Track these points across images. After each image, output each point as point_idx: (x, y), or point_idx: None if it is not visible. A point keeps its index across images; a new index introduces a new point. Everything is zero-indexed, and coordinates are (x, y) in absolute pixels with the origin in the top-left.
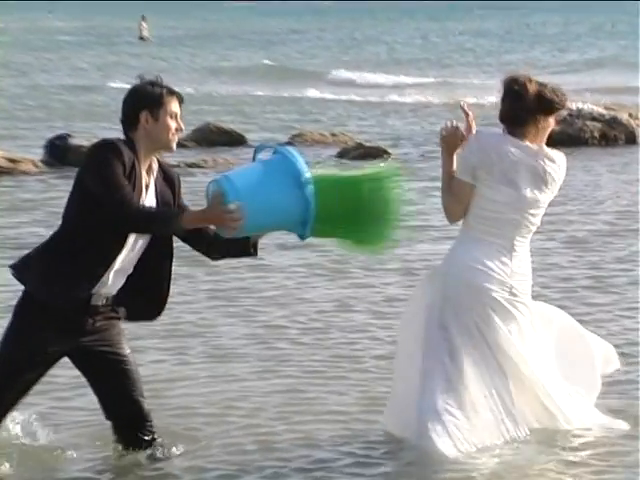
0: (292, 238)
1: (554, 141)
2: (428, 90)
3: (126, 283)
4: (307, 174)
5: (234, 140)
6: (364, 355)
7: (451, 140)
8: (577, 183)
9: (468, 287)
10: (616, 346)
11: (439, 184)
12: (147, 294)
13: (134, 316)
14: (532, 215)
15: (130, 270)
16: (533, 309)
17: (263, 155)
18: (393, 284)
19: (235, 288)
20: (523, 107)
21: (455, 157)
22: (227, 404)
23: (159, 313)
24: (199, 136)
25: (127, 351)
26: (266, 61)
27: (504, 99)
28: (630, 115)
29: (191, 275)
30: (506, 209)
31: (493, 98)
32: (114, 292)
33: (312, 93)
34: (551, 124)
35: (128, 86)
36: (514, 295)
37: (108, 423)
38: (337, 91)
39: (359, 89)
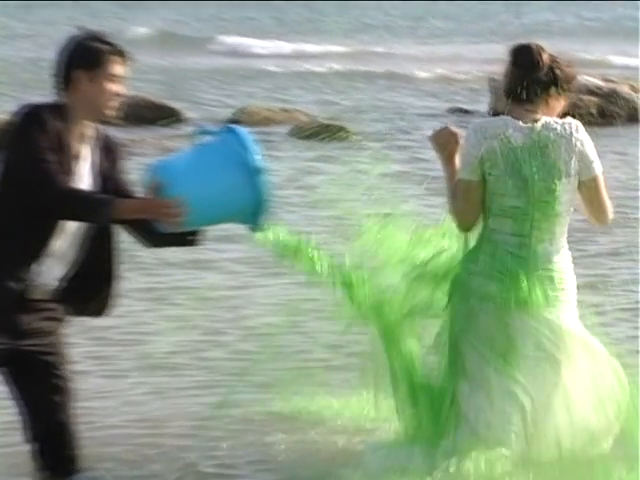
0: (237, 228)
1: None
2: (346, 59)
3: (69, 273)
4: (258, 158)
5: (168, 116)
6: (316, 366)
7: (443, 139)
8: None
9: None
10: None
11: (410, 168)
12: (91, 284)
13: (78, 310)
14: (547, 204)
15: (72, 257)
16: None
17: (206, 138)
18: None
19: (170, 288)
20: (535, 79)
21: (457, 158)
22: (159, 423)
23: (105, 307)
24: (126, 111)
25: (66, 364)
26: (143, 29)
27: (513, 70)
28: (632, 88)
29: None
30: (518, 202)
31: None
32: (53, 284)
33: (231, 62)
34: (562, 104)
35: None
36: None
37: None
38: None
39: (287, 59)
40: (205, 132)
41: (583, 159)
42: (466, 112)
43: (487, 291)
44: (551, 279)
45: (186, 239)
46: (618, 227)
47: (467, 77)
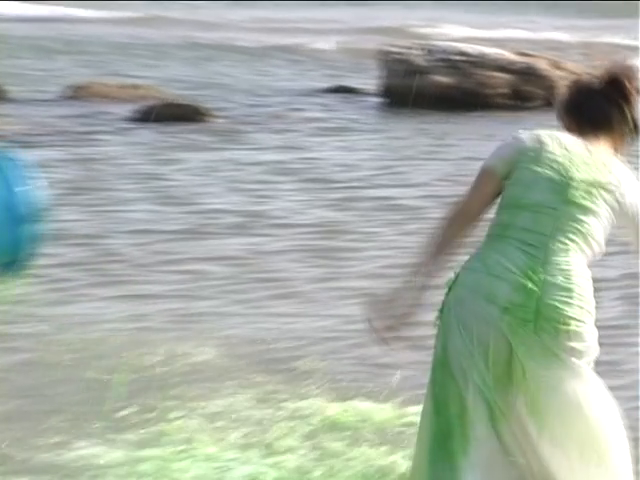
0: None
1: (443, 101)
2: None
3: None
4: (26, 204)
5: None
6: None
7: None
8: (477, 159)
9: None
10: None
11: (276, 156)
12: None
13: None
14: (581, 208)
15: None
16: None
17: None
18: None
19: None
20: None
21: None
22: None
23: None
24: None
25: None
26: None
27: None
28: (552, 63)
29: None
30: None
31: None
32: None
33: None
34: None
35: None
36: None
37: None
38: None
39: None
40: None
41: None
42: (351, 91)
43: (494, 292)
44: (568, 291)
45: None
46: None
47: (353, 49)
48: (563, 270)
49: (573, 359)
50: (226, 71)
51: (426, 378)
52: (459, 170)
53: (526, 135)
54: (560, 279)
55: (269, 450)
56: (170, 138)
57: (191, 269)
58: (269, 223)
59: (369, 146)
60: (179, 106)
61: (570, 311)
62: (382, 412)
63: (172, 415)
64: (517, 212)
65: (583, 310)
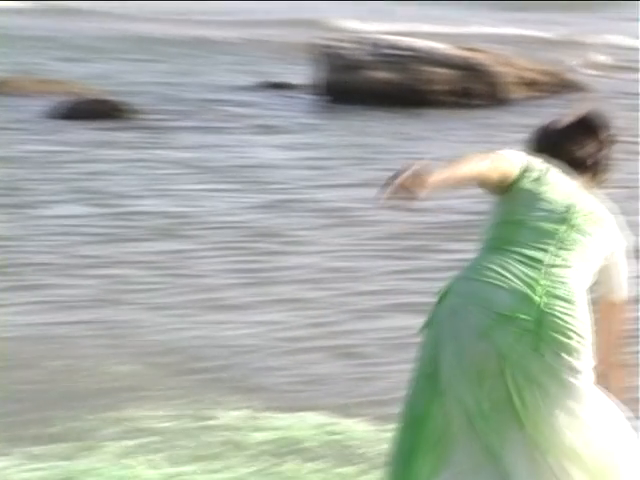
0: None
1: (383, 98)
2: None
3: None
4: None
5: None
6: None
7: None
8: (424, 157)
9: None
10: None
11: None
12: None
13: None
14: (582, 233)
15: None
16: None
17: None
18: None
19: None
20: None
21: None
22: None
23: None
24: None
25: None
26: None
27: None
28: (498, 60)
29: None
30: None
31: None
32: None
33: None
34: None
35: None
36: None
37: None
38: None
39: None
40: None
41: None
42: (283, 87)
43: (491, 299)
44: (570, 303)
45: None
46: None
47: (278, 42)
48: (564, 283)
49: (572, 379)
50: (148, 65)
51: (355, 389)
52: (395, 170)
53: (529, 156)
54: (562, 291)
55: (198, 462)
56: (92, 136)
57: (112, 274)
58: (195, 226)
59: (303, 145)
60: (101, 102)
61: (572, 324)
62: (313, 423)
63: (89, 427)
64: (517, 228)
65: (584, 326)
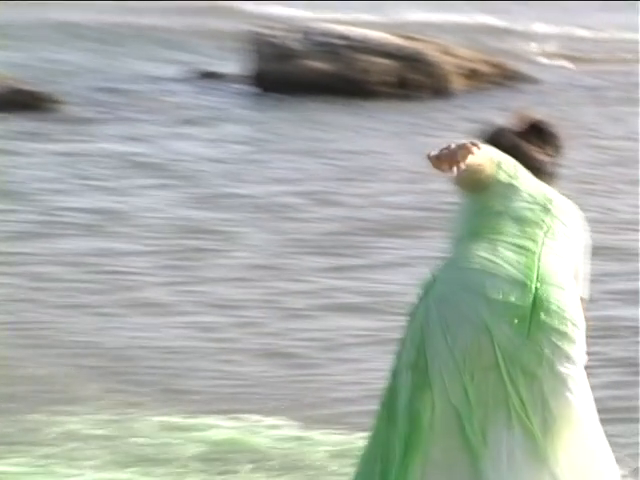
0: None
1: (320, 89)
2: None
3: None
4: None
5: None
6: None
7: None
8: (358, 154)
9: None
10: None
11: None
12: None
13: None
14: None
15: None
16: None
17: None
18: None
19: None
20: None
21: None
22: None
23: None
24: None
25: None
26: None
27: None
28: (441, 49)
29: None
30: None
31: None
32: None
33: None
34: None
35: None
36: None
37: None
38: None
39: None
40: None
41: None
42: (215, 77)
43: (483, 284)
44: (564, 290)
45: None
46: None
47: (210, 30)
48: (556, 272)
49: (568, 370)
50: (71, 54)
51: (286, 391)
52: (336, 166)
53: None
54: (555, 279)
55: (123, 469)
56: (12, 128)
57: (32, 272)
58: (121, 222)
59: (236, 138)
60: (22, 92)
61: (567, 311)
62: (243, 426)
63: (4, 432)
64: (500, 219)
65: (578, 314)
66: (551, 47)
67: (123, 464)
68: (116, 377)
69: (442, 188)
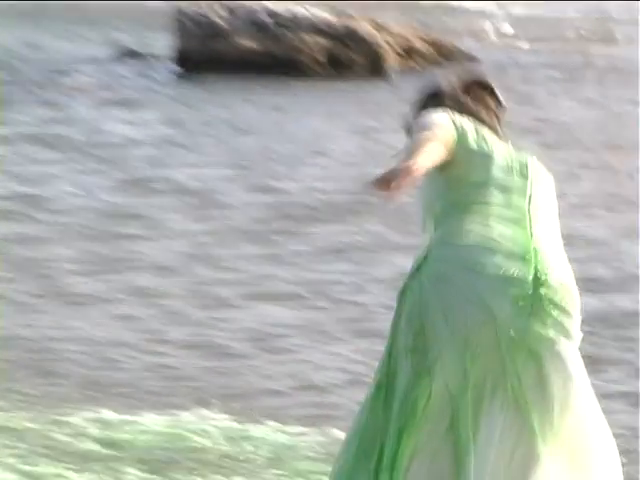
0: None
1: (248, 68)
2: None
3: None
4: None
5: None
6: None
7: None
8: (289, 136)
9: None
10: None
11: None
12: None
13: None
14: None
15: None
16: None
17: None
18: None
19: None
20: None
21: None
22: None
23: None
24: None
25: None
26: None
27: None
28: (375, 25)
29: None
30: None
31: None
32: None
33: None
34: None
35: None
36: None
37: None
38: None
39: None
40: None
41: None
42: (138, 56)
43: (482, 262)
44: (561, 262)
45: None
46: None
47: (134, 7)
48: (550, 243)
49: (567, 350)
50: None
51: (214, 383)
52: (266, 149)
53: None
54: (551, 249)
55: (45, 465)
56: None
57: None
58: (42, 208)
59: (160, 120)
60: None
61: (565, 283)
62: (170, 420)
63: None
64: (483, 189)
65: (573, 285)
66: (505, 27)
67: (50, 458)
68: (35, 370)
69: (378, 172)
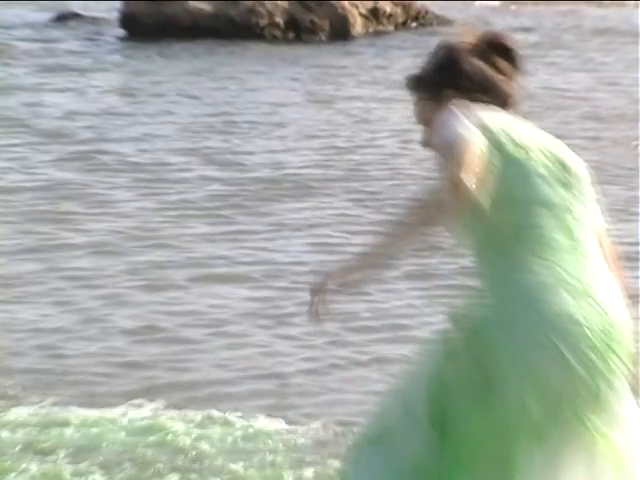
0: None
1: (200, 32)
2: None
3: None
4: None
5: None
6: None
7: None
8: (246, 105)
9: None
10: None
11: None
12: None
13: None
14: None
15: None
16: None
17: None
18: None
19: None
20: None
21: None
22: None
23: None
24: None
25: None
26: None
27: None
28: None
29: None
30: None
31: None
32: None
33: None
34: None
35: None
36: None
37: None
38: None
39: None
40: None
41: None
42: (80, 19)
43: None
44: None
45: None
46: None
47: None
48: (599, 267)
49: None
50: None
51: (157, 371)
52: (220, 119)
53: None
54: (603, 278)
55: None
56: None
57: None
58: None
59: (105, 88)
60: None
61: (623, 313)
62: (117, 413)
63: None
64: (531, 210)
65: (625, 309)
66: None
67: None
68: None
69: (342, 145)
